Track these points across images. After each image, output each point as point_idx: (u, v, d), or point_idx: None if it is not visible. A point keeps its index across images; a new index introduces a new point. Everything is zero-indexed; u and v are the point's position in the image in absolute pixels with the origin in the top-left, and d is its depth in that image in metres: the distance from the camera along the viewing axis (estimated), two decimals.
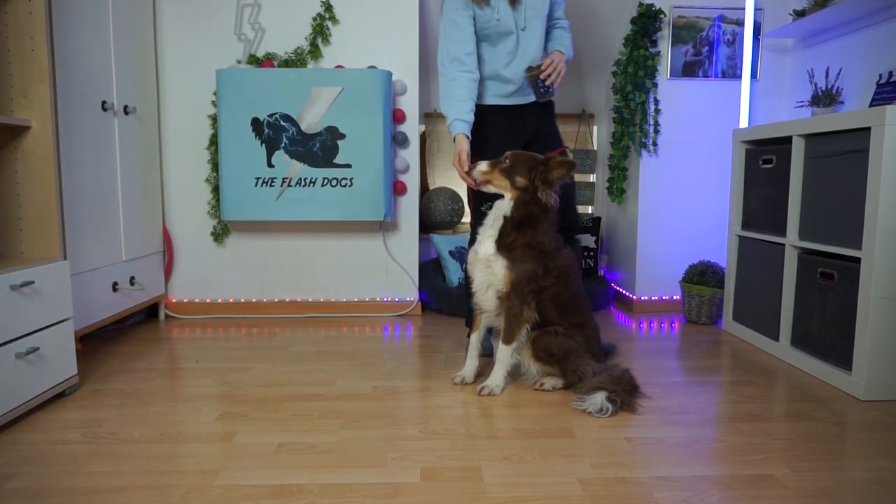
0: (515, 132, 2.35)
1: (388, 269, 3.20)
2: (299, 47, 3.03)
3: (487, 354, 2.34)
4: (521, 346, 2.08)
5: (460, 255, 3.32)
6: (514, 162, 2.03)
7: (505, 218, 2.03)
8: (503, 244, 2.02)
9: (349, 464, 1.56)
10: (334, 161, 2.95)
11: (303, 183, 2.96)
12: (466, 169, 2.14)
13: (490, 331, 2.25)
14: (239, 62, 3.01)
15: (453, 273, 3.30)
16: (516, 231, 2.01)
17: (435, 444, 1.68)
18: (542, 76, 2.21)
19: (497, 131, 2.32)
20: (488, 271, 2.04)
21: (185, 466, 1.55)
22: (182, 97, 3.04)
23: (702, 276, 3.01)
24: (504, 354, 2.06)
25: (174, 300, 3.15)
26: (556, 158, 2.02)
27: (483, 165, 2.06)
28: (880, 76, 2.54)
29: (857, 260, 2.06)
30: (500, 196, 2.08)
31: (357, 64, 3.04)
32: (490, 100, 2.32)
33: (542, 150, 2.19)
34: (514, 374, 2.19)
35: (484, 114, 2.29)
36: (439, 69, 2.27)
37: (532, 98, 2.34)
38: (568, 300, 2.08)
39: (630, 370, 2.05)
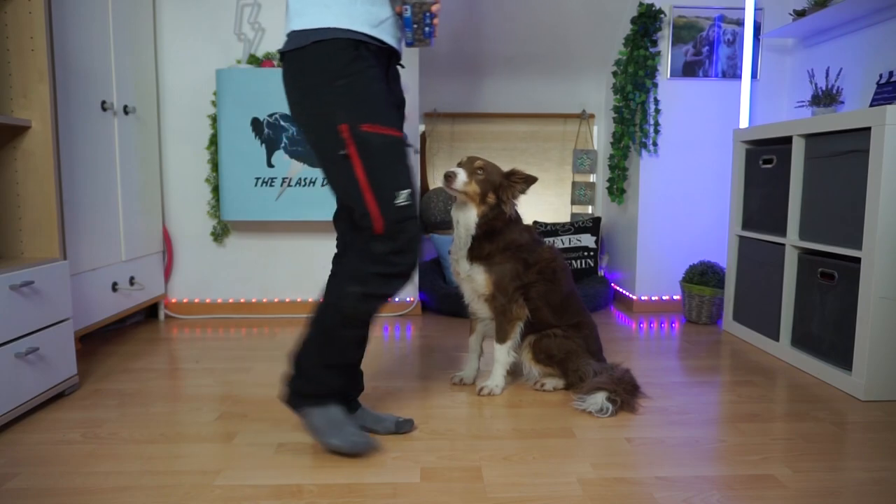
0: (389, 91, 1.66)
1: None
2: None
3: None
4: (517, 344, 2.08)
5: None
6: (487, 174, 1.99)
7: (473, 237, 2.01)
8: (477, 256, 2.02)
9: (349, 464, 1.56)
10: None
11: (303, 183, 2.95)
12: None
13: None
14: (239, 62, 3.01)
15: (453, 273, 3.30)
16: (487, 242, 2.01)
17: (435, 444, 1.68)
18: (434, 9, 1.59)
19: (382, 84, 1.60)
20: (471, 281, 2.05)
21: (185, 466, 1.55)
22: (182, 97, 3.04)
23: (702, 276, 3.01)
24: (501, 354, 2.06)
25: (174, 300, 3.15)
26: (518, 174, 2.02)
27: (463, 176, 1.95)
28: (880, 76, 2.54)
29: (857, 260, 2.06)
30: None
31: None
32: (363, 26, 1.52)
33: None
34: (515, 375, 2.19)
35: (366, 50, 1.53)
36: None
37: (395, 44, 1.62)
38: (562, 301, 2.08)
39: (630, 370, 2.05)
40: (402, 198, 1.53)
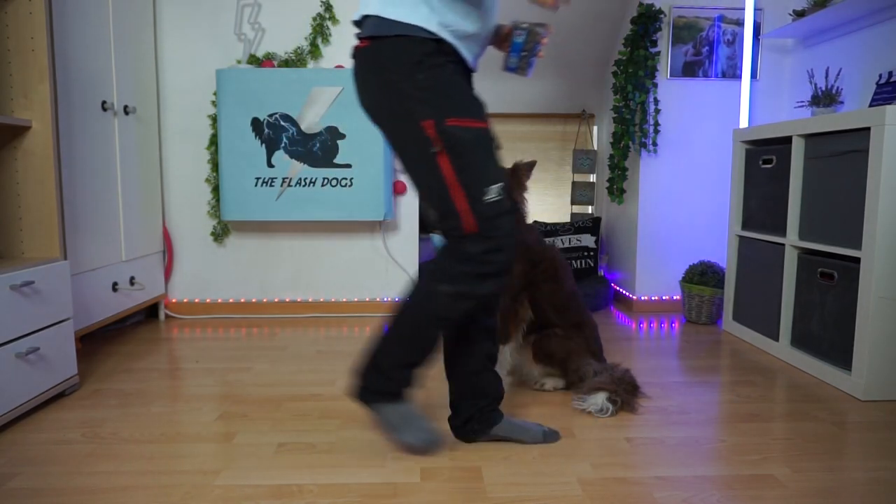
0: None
1: (388, 269, 3.20)
2: (299, 47, 3.02)
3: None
4: (520, 345, 2.08)
5: None
6: None
7: None
8: None
9: (349, 464, 1.56)
10: (334, 161, 2.95)
11: (303, 183, 2.96)
12: None
13: None
14: (239, 62, 3.01)
15: None
16: None
17: None
18: (544, 41, 1.57)
19: (463, 78, 1.53)
20: None
21: (185, 466, 1.55)
22: (182, 97, 3.04)
23: (702, 276, 3.01)
24: (502, 355, 2.06)
25: (174, 300, 3.15)
26: (521, 164, 2.04)
27: None
28: (880, 76, 2.54)
29: (857, 260, 2.06)
30: None
31: None
32: (448, 35, 1.46)
33: None
34: (515, 374, 2.19)
35: (448, 50, 1.48)
36: None
37: (472, 62, 1.56)
38: (563, 300, 2.08)
39: (630, 370, 2.05)
40: (494, 193, 1.46)
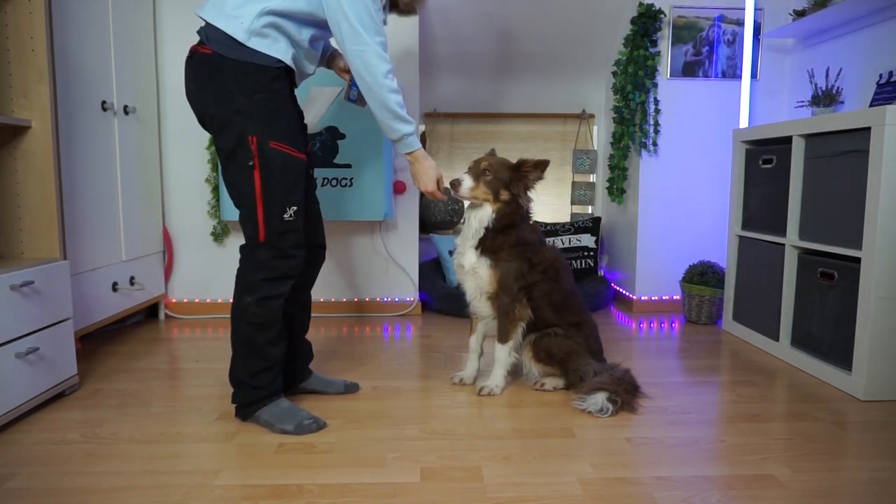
0: (301, 114, 1.87)
1: (388, 269, 3.20)
2: None
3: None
4: (519, 344, 2.08)
5: None
6: (495, 173, 2.00)
7: (486, 229, 2.01)
8: (486, 248, 2.02)
9: (349, 464, 1.56)
10: (334, 161, 2.95)
11: None
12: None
13: None
14: None
15: (453, 273, 3.30)
16: (501, 234, 2.01)
17: (435, 444, 1.68)
18: None
19: (294, 106, 1.82)
20: (476, 277, 2.04)
21: (185, 466, 1.55)
22: (182, 97, 3.00)
23: (702, 276, 3.01)
24: (501, 354, 2.06)
25: (174, 300, 3.15)
26: (528, 162, 2.00)
27: (468, 181, 2.00)
28: (880, 76, 2.54)
29: (857, 260, 2.06)
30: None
31: None
32: (293, 64, 1.74)
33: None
34: (515, 374, 2.19)
35: (277, 77, 1.69)
36: (375, 57, 1.69)
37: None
38: (563, 300, 2.08)
39: (630, 370, 2.05)
40: (289, 213, 1.70)
